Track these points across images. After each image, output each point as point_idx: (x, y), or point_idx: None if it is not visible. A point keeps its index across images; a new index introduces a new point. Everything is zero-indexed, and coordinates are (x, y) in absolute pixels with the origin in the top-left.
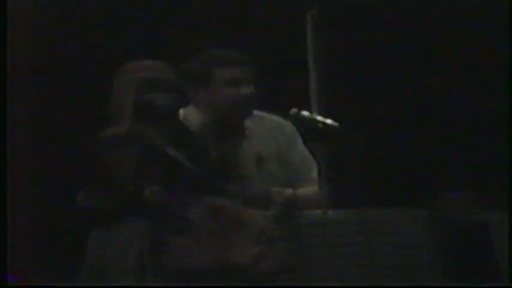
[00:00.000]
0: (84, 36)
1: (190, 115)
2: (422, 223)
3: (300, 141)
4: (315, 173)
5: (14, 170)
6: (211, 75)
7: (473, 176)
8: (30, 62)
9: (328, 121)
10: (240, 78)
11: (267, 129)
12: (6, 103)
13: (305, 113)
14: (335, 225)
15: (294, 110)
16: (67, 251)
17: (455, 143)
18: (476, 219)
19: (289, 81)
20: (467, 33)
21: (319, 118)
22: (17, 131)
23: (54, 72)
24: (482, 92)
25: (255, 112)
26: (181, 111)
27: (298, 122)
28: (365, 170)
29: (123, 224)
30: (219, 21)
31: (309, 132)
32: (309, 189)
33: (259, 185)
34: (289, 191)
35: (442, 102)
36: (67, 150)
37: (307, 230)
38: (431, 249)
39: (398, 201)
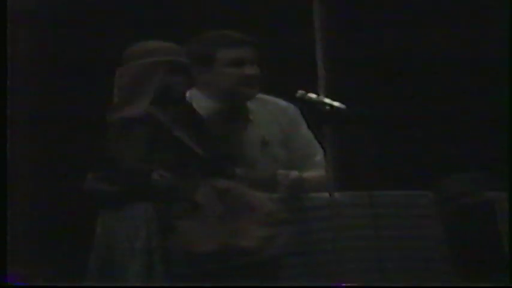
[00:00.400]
0: (84, 35)
1: (194, 98)
2: (429, 205)
3: (303, 124)
4: (319, 157)
5: (14, 170)
6: (214, 56)
7: (477, 157)
8: (30, 61)
9: (336, 103)
10: (243, 59)
11: (270, 112)
12: (6, 103)
13: (312, 95)
14: (342, 207)
15: (300, 92)
16: (71, 245)
17: (459, 125)
18: (480, 200)
19: (296, 62)
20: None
21: (327, 100)
22: (18, 125)
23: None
24: (484, 75)
25: (259, 95)
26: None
27: (305, 104)
28: (372, 153)
29: (131, 207)
30: (222, 1)
31: (316, 114)
32: (315, 173)
33: (264, 168)
34: (295, 173)
35: (447, 85)
36: (71, 139)
37: (314, 213)
38: (438, 231)
39: (405, 183)
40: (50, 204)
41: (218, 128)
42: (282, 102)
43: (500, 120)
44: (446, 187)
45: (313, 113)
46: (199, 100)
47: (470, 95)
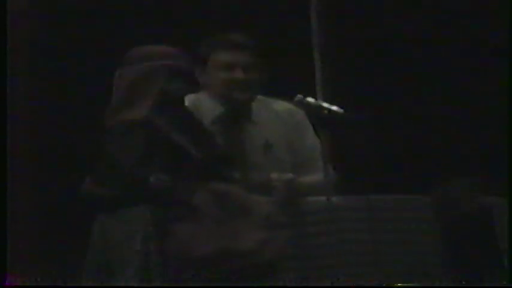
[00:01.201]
0: (84, 34)
1: (201, 100)
2: (427, 210)
3: (311, 129)
4: (322, 161)
5: (14, 170)
6: (208, 58)
7: (475, 161)
8: (30, 61)
9: (334, 107)
10: (234, 62)
11: (275, 114)
12: (6, 103)
13: (310, 99)
14: (340, 211)
15: (299, 97)
16: (69, 247)
17: (457, 129)
18: (479, 205)
19: (295, 67)
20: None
21: (325, 105)
22: (18, 126)
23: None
24: (482, 79)
25: (264, 97)
26: (191, 96)
27: (304, 108)
28: (370, 157)
29: (128, 211)
30: (224, 6)
31: (314, 119)
32: (314, 177)
33: (267, 171)
34: (289, 176)
35: (444, 90)
36: (70, 141)
37: (312, 217)
38: (436, 236)
39: (404, 187)
40: (49, 205)
41: (220, 131)
42: (290, 105)
43: (500, 123)
44: (445, 191)
45: (311, 117)
46: (205, 101)
47: (470, 97)
